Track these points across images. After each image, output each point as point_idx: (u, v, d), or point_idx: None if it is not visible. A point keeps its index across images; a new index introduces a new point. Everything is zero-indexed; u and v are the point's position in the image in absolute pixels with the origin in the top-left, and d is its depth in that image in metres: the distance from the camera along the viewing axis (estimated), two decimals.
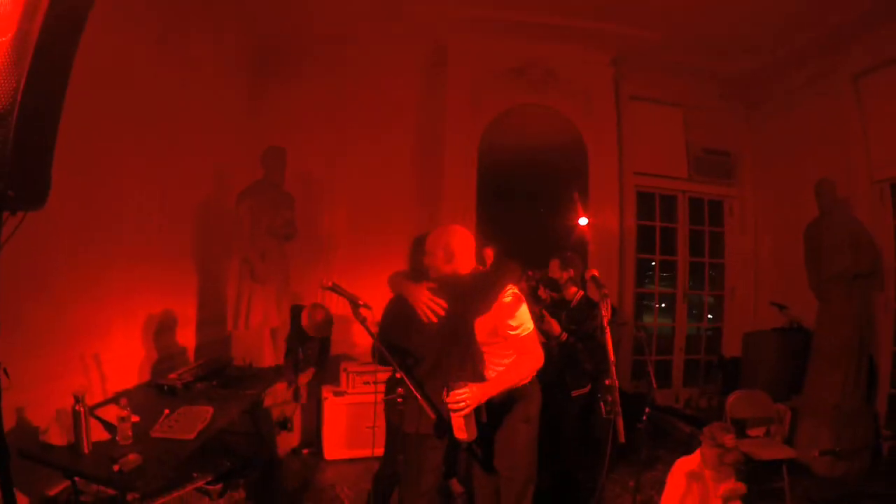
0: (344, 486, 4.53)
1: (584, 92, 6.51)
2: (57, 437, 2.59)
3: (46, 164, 1.77)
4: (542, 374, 2.97)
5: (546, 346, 3.03)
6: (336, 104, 6.11)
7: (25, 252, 2.48)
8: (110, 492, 2.69)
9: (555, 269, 4.46)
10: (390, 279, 3.23)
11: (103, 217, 3.70)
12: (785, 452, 4.30)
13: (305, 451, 5.23)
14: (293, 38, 5.96)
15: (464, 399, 2.56)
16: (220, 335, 4.94)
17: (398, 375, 2.72)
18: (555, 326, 4.03)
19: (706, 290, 7.52)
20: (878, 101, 5.50)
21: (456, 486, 4.29)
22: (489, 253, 4.21)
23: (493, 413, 2.85)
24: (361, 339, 5.59)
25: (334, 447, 5.10)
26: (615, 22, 5.98)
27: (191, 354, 4.84)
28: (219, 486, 3.45)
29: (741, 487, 3.10)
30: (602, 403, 2.72)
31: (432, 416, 2.67)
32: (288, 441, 5.13)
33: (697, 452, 3.24)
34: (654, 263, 7.29)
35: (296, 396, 4.92)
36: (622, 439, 2.59)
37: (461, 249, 2.91)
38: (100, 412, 2.87)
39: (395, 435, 3.21)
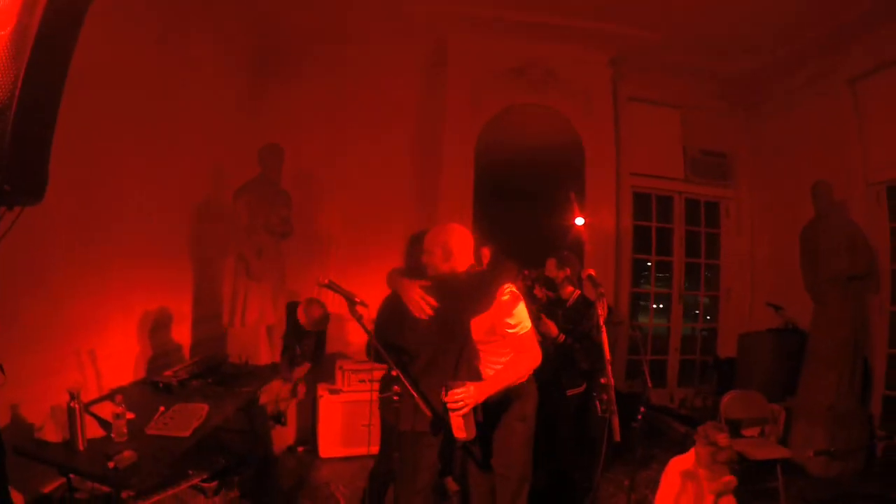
0: (339, 484, 4.53)
1: (583, 92, 6.51)
2: (52, 434, 2.59)
3: (44, 158, 1.76)
4: (537, 373, 2.98)
5: (542, 346, 3.03)
6: (335, 103, 6.11)
7: (22, 248, 2.47)
8: (105, 489, 2.69)
9: (551, 268, 4.47)
10: (389, 276, 3.23)
11: (101, 214, 3.68)
12: (779, 452, 4.31)
13: (301, 448, 5.24)
14: (293, 38, 5.95)
15: (462, 398, 2.57)
16: (215, 332, 4.93)
17: (394, 373, 2.73)
18: (552, 328, 4.03)
19: (702, 291, 7.54)
20: (876, 103, 5.52)
21: (451, 485, 4.29)
22: (486, 252, 4.21)
23: (490, 411, 2.86)
24: (356, 338, 5.58)
25: (330, 445, 5.10)
26: (615, 22, 5.99)
27: (186, 352, 4.83)
28: (214, 484, 3.45)
29: (732, 480, 3.11)
30: (598, 402, 2.73)
31: (428, 413, 2.67)
32: (283, 439, 5.13)
33: (692, 452, 3.25)
34: (649, 264, 7.32)
35: (293, 392, 4.92)
36: (617, 438, 2.60)
37: (459, 248, 2.91)
38: (95, 409, 2.86)
39: (389, 433, 3.21)
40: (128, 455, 2.39)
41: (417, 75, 6.43)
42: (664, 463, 3.36)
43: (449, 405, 2.57)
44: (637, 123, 6.90)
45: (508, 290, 2.80)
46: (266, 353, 4.77)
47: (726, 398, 4.65)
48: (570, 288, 4.45)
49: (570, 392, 4.21)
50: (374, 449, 3.49)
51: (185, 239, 4.95)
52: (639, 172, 6.94)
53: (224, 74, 5.51)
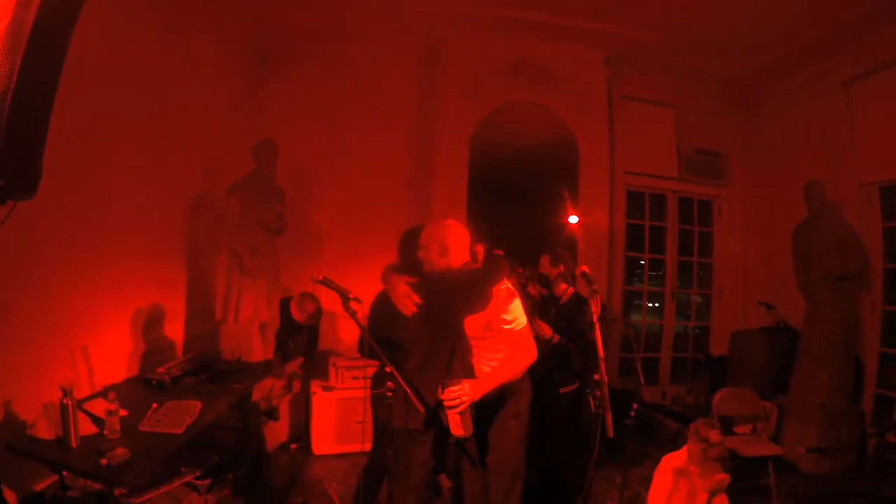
0: (332, 481, 4.52)
1: (578, 91, 6.51)
2: (44, 431, 2.57)
3: (38, 153, 1.75)
4: (531, 371, 2.98)
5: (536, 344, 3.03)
6: (331, 101, 6.10)
7: (14, 243, 2.46)
8: (98, 486, 2.69)
9: (545, 265, 4.47)
10: (383, 273, 3.23)
11: (94, 209, 3.66)
12: (771, 449, 4.34)
13: (294, 446, 5.23)
14: (290, 35, 5.94)
15: (459, 395, 2.57)
16: (208, 329, 4.92)
17: (388, 369, 2.73)
18: (546, 330, 4.02)
19: (694, 289, 7.57)
20: (868, 104, 5.56)
21: (445, 481, 4.30)
22: (479, 249, 4.21)
23: (484, 408, 2.86)
24: (347, 335, 5.59)
25: (323, 442, 5.10)
26: (615, 22, 6.00)
27: (179, 349, 4.82)
28: (207, 482, 3.44)
29: (725, 478, 3.13)
30: (591, 398, 2.74)
31: (421, 409, 2.67)
32: (276, 436, 5.12)
33: (684, 449, 3.26)
34: (643, 262, 7.34)
35: (288, 387, 4.91)
36: (611, 434, 2.61)
37: (455, 245, 2.91)
38: (88, 406, 2.85)
39: (382, 430, 3.22)
40: (121, 452, 2.38)
41: (413, 72, 6.42)
42: (656, 460, 3.37)
43: (446, 403, 2.57)
44: (631, 122, 6.92)
45: (504, 286, 2.80)
46: (259, 350, 4.76)
47: (719, 395, 4.67)
48: (564, 285, 4.45)
49: (562, 390, 4.22)
50: (368, 446, 3.49)
51: (179, 235, 4.93)
52: (632, 171, 6.95)
53: (222, 74, 5.51)
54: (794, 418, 5.16)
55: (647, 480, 3.46)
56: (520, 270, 4.29)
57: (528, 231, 6.92)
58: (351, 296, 2.79)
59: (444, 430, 2.75)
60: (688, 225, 7.36)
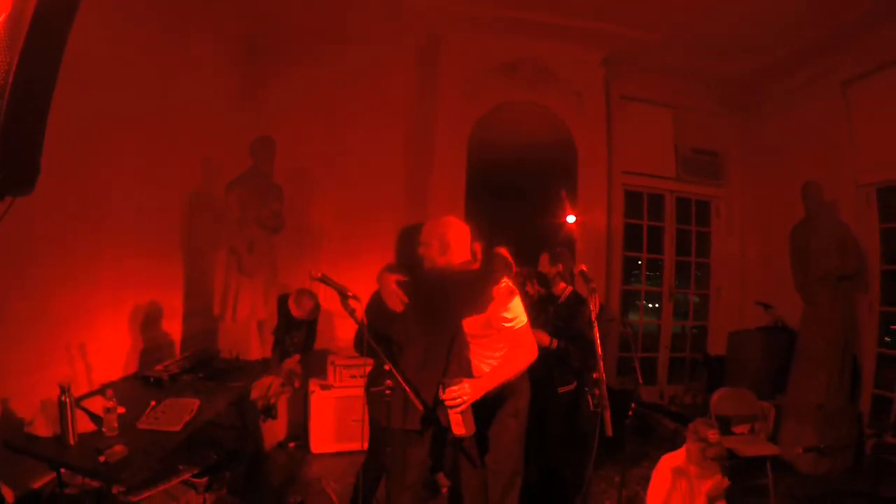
0: (330, 479, 4.52)
1: (576, 90, 6.51)
2: (42, 429, 2.56)
3: (36, 148, 1.75)
4: (529, 370, 2.98)
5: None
6: (329, 99, 6.08)
7: (13, 240, 2.46)
8: (96, 484, 2.68)
9: (544, 264, 4.46)
10: (380, 272, 3.22)
11: (92, 206, 3.66)
12: (769, 449, 4.34)
13: (292, 444, 5.22)
14: (289, 35, 5.93)
15: (460, 395, 2.57)
16: (206, 326, 4.91)
17: (386, 367, 2.72)
18: (543, 337, 3.97)
19: (692, 289, 7.58)
20: (868, 104, 5.56)
21: (443, 480, 4.29)
22: (477, 248, 4.19)
23: (482, 408, 2.86)
24: (344, 333, 5.57)
25: (321, 441, 5.09)
26: (614, 22, 5.98)
27: (177, 346, 4.82)
28: (205, 480, 3.44)
29: (725, 482, 3.13)
30: (590, 397, 2.73)
31: (420, 408, 2.67)
32: (274, 434, 5.11)
33: (683, 449, 3.26)
34: (640, 262, 7.34)
35: (289, 383, 4.90)
36: (609, 433, 2.60)
37: (456, 241, 2.91)
38: (86, 403, 2.84)
39: (378, 429, 3.21)
40: (119, 449, 2.38)
41: (412, 72, 6.41)
42: (655, 460, 3.38)
43: (447, 402, 2.57)
44: (629, 122, 6.92)
45: (504, 284, 2.79)
46: (257, 347, 4.76)
47: (716, 395, 4.67)
48: (563, 284, 4.43)
49: (561, 390, 4.21)
50: (366, 444, 3.48)
51: (177, 232, 4.93)
52: (630, 171, 6.95)
53: (222, 73, 5.52)
54: (791, 418, 5.17)
55: (646, 480, 3.47)
56: (517, 270, 4.27)
57: (527, 231, 6.90)
58: (349, 294, 2.78)
59: (443, 430, 2.74)
60: (686, 225, 7.37)
